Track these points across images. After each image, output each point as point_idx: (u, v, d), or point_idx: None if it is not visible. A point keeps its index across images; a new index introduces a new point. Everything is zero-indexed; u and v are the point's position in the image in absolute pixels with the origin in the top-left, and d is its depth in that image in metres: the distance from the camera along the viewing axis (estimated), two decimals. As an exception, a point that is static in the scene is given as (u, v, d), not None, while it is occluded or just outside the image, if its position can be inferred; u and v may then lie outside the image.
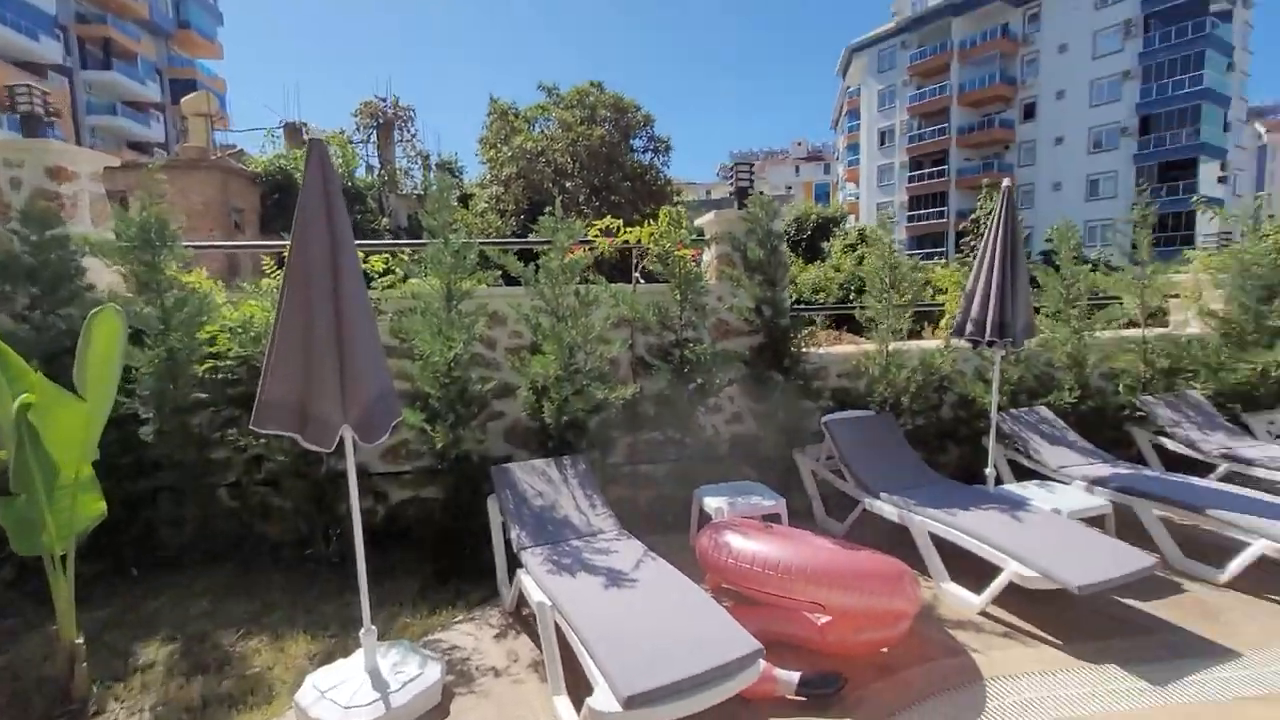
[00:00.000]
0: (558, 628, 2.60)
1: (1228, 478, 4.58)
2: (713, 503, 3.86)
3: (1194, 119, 37.72)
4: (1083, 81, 41.60)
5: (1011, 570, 3.06)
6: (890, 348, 4.88)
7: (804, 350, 4.88)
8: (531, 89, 24.88)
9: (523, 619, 3.20)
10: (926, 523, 3.60)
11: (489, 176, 21.35)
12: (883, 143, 51.64)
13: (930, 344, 5.32)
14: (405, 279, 4.33)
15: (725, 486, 4.17)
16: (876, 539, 3.98)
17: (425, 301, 3.80)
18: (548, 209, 4.18)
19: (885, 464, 4.29)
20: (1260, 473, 4.45)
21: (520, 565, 3.09)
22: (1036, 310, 5.06)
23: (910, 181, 49.00)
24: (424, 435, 3.66)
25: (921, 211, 48.11)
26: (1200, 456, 4.81)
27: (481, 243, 4.19)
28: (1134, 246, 5.50)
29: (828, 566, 2.80)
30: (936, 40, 46.94)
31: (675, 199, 21.43)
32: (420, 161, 23.01)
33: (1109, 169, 40.96)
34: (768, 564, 2.82)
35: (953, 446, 5.21)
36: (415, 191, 21.17)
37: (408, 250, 4.61)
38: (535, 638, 2.85)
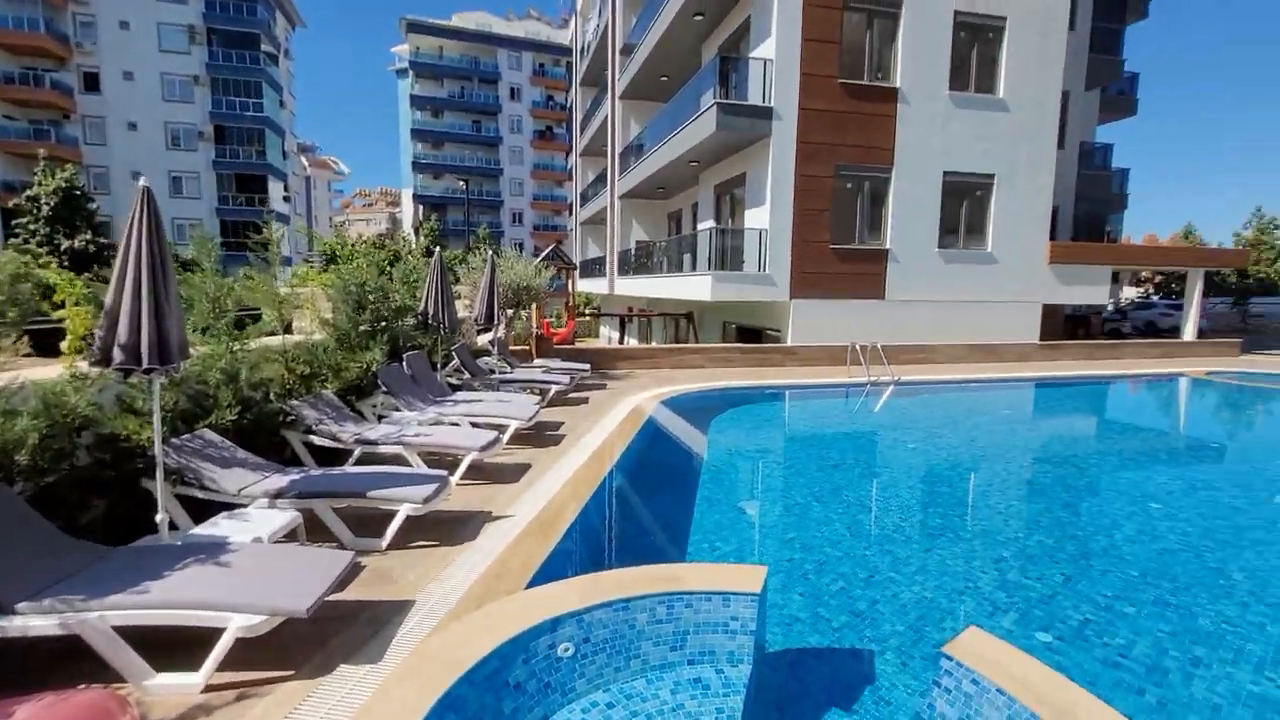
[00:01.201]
0: None
1: (364, 458, 5.70)
2: None
3: (260, 140, 42.90)
4: (153, 70, 39.97)
5: (235, 625, 2.80)
6: (-13, 389, 3.38)
7: None
8: None
9: None
10: (107, 617, 2.77)
11: None
12: None
13: (49, 374, 4.02)
14: None
15: None
16: (28, 668, 2.81)
17: None
18: None
19: (7, 561, 2.99)
20: (383, 449, 5.75)
21: None
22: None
23: (-90, 125, 34.41)
24: None
25: (-61, 172, 34.91)
26: (342, 445, 5.74)
27: None
28: (268, 263, 5.87)
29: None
30: (-68, -64, 34.15)
31: None
32: None
33: (191, 169, 41.45)
34: None
35: (98, 500, 4.17)
36: None
37: None
38: None
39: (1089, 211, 23.49)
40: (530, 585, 3.84)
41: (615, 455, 7.08)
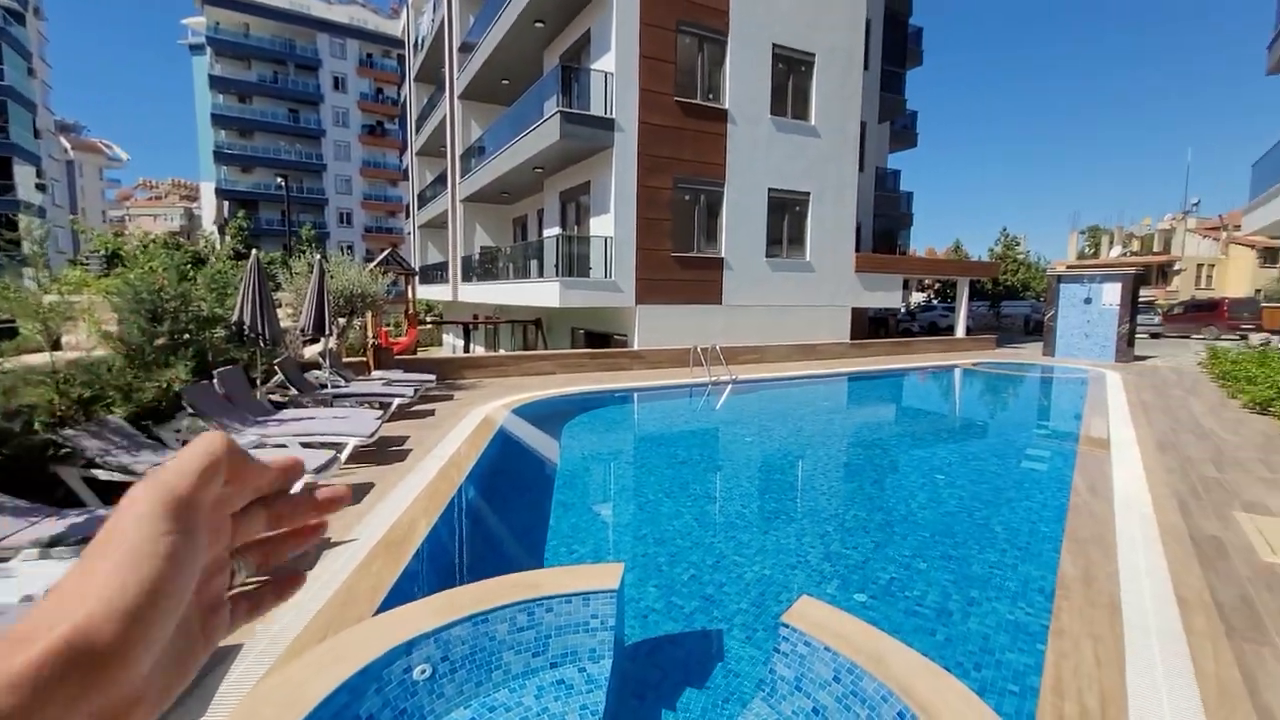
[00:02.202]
0: None
1: (167, 491, 4.95)
2: None
3: (2, 116, 35.27)
4: None
5: (4, 703, 2.32)
6: None
7: None
8: None
9: None
10: None
11: None
12: None
13: None
14: None
15: None
16: None
17: None
18: None
19: None
20: (192, 479, 5.04)
21: None
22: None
23: None
24: None
25: None
26: (135, 479, 4.94)
27: None
28: (25, 264, 4.88)
29: None
30: None
31: None
32: None
33: (-104, 144, 32.86)
34: None
35: None
36: None
37: None
38: None
39: (884, 227, 27.18)
40: (382, 609, 3.62)
41: (467, 467, 6.86)
